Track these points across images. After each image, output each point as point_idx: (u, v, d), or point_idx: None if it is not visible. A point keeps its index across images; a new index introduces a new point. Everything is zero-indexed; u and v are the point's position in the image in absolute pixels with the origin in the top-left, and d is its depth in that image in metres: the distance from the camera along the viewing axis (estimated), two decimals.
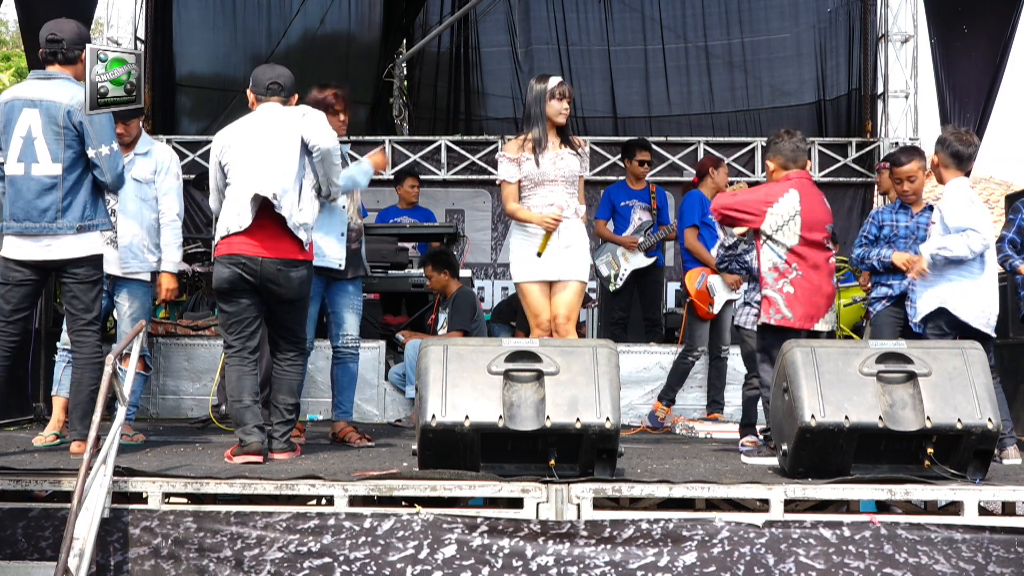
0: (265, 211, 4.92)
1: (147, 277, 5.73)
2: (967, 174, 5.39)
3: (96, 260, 4.94)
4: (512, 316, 9.45)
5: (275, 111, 5.11)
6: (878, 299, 5.85)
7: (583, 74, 11.85)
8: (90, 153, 4.79)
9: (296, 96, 5.21)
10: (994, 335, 5.22)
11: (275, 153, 4.97)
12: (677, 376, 7.36)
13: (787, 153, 5.30)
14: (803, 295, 5.16)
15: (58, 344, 6.05)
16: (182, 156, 11.18)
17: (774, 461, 4.85)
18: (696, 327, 7.27)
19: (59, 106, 4.77)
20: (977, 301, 5.20)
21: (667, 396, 7.35)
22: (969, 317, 5.16)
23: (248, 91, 5.19)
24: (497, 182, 5.59)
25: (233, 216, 4.96)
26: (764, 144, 10.92)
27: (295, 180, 4.97)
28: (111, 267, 5.51)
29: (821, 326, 5.20)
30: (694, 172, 7.95)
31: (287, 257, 4.97)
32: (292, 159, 4.98)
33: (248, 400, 4.96)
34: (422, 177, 10.10)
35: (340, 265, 5.68)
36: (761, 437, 5.56)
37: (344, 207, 5.74)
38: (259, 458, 4.79)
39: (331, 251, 5.63)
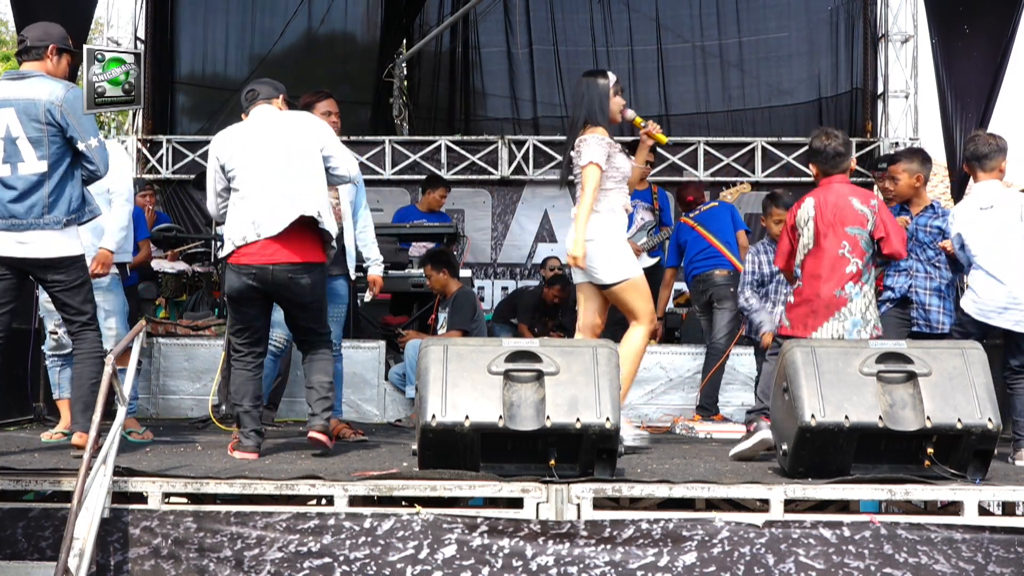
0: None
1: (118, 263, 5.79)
2: (998, 173, 5.48)
3: (75, 261, 4.82)
4: (512, 315, 9.44)
5: (272, 114, 5.13)
6: (882, 301, 5.89)
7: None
8: (80, 147, 4.73)
9: (282, 96, 5.22)
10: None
11: (303, 167, 5.01)
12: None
13: (827, 160, 5.25)
14: (799, 302, 5.18)
15: (44, 349, 6.03)
16: (181, 156, 11.20)
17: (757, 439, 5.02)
18: None
19: (38, 103, 4.69)
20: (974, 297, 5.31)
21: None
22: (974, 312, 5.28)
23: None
24: (585, 163, 5.23)
25: (247, 226, 4.94)
26: (768, 142, 11.06)
27: (326, 192, 5.09)
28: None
29: (821, 334, 5.05)
30: (696, 174, 7.95)
31: (299, 261, 4.97)
32: (320, 172, 5.06)
33: (248, 405, 5.08)
34: (421, 177, 10.11)
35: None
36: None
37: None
38: (255, 456, 4.98)
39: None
